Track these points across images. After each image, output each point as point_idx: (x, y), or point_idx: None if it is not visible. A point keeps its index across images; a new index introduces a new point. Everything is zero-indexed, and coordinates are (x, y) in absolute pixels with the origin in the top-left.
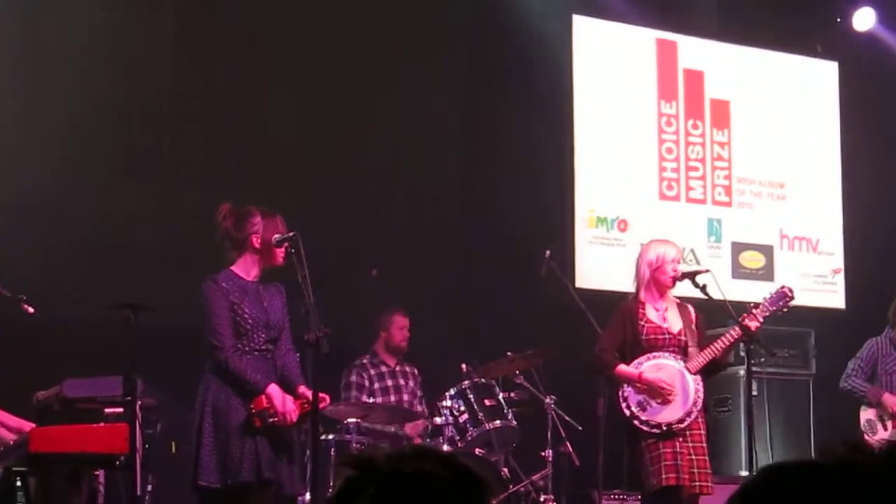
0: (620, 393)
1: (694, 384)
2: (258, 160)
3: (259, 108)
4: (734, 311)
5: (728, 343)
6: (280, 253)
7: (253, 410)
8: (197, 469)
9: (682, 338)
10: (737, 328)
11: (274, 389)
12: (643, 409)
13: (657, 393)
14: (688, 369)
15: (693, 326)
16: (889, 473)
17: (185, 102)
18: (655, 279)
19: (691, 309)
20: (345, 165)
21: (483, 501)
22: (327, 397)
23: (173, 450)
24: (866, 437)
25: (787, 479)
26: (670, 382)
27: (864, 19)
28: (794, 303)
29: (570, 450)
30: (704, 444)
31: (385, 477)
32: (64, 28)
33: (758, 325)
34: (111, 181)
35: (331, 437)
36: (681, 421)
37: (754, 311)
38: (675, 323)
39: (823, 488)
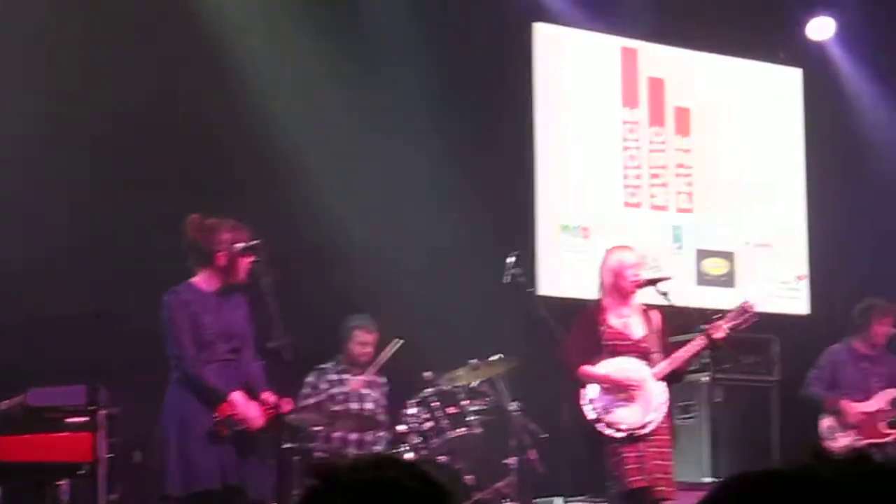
0: (585, 396)
1: (658, 389)
2: (224, 168)
3: (223, 115)
4: (698, 319)
5: (692, 352)
6: (243, 270)
7: (217, 418)
8: (163, 478)
9: (644, 344)
10: (701, 337)
11: (237, 396)
12: (607, 412)
13: (622, 390)
14: (653, 375)
15: (657, 332)
16: (848, 484)
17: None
18: (617, 285)
19: (657, 315)
20: (305, 170)
21: None
22: (290, 402)
23: (138, 459)
24: (827, 443)
25: (752, 489)
26: (635, 379)
27: (821, 28)
28: (758, 309)
29: (535, 457)
30: (670, 450)
31: (348, 487)
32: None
33: (722, 336)
34: (74, 186)
35: (295, 444)
36: (643, 426)
37: (719, 321)
38: (637, 329)
39: (786, 498)
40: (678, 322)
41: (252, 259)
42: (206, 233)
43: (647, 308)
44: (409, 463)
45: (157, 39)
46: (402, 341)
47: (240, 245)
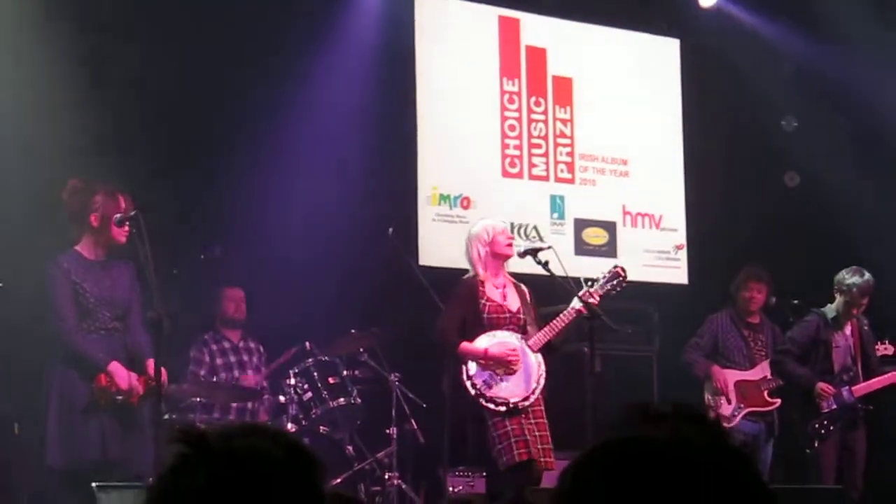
0: (464, 371)
1: (535, 361)
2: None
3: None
4: (576, 288)
5: (567, 321)
6: (120, 232)
7: (95, 389)
8: (43, 450)
9: (521, 316)
10: (575, 307)
11: (115, 367)
12: (489, 387)
13: (502, 366)
14: (529, 347)
15: (529, 305)
16: (710, 453)
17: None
18: (494, 254)
19: (525, 288)
20: (190, 140)
21: (316, 478)
22: (164, 372)
23: (16, 431)
24: (712, 411)
25: (617, 455)
26: (514, 350)
27: None
28: (637, 278)
29: (415, 427)
30: (546, 421)
31: (218, 455)
32: None
33: (594, 302)
34: None
35: (174, 415)
36: (525, 398)
37: (590, 289)
38: (513, 301)
39: (651, 465)
40: (556, 292)
41: (127, 229)
42: (78, 195)
43: (516, 281)
44: (279, 431)
45: None
46: (296, 349)
47: (118, 216)
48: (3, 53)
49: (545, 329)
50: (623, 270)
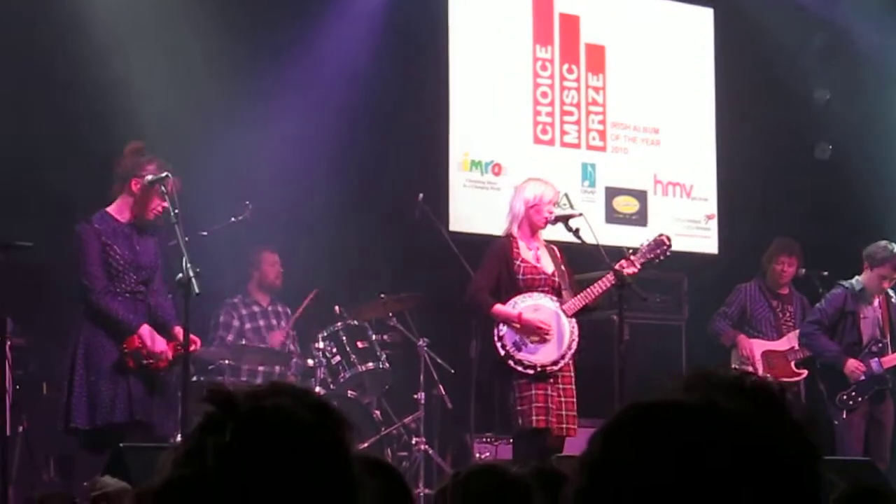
0: (496, 332)
1: (569, 327)
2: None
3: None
4: (607, 256)
5: (603, 289)
6: (152, 210)
7: (125, 350)
8: (69, 410)
9: (556, 279)
10: (612, 275)
11: (146, 330)
12: (518, 349)
13: (534, 333)
14: (563, 311)
15: (562, 267)
16: (745, 417)
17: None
18: (530, 218)
19: (557, 250)
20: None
21: (343, 437)
22: (198, 340)
23: (45, 391)
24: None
25: (650, 419)
26: (548, 323)
27: None
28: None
29: (443, 392)
30: (573, 387)
31: (245, 414)
32: None
33: (634, 271)
34: None
35: (202, 378)
36: (555, 363)
37: (632, 256)
38: (548, 264)
39: (684, 428)
40: (586, 260)
41: (161, 201)
42: (128, 157)
43: (549, 243)
44: (307, 391)
45: None
46: (317, 290)
47: (149, 177)
48: None
49: (581, 295)
50: (668, 239)
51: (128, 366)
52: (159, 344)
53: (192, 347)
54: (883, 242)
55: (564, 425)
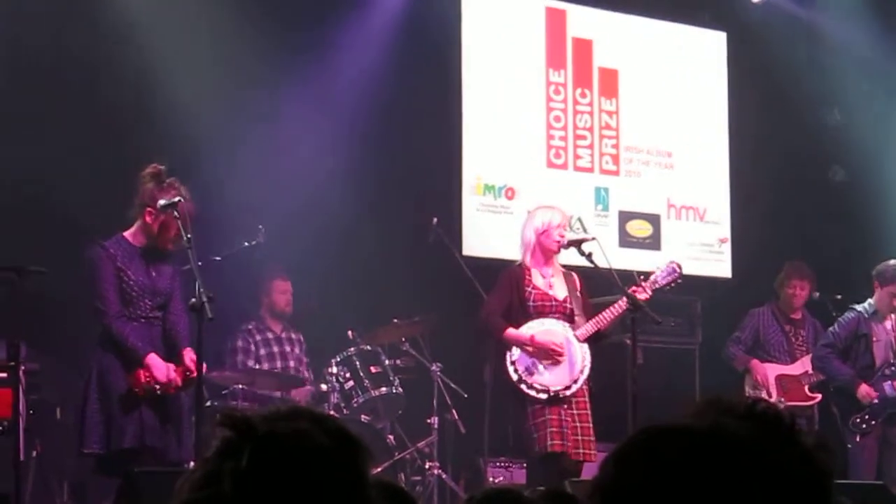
0: (508, 356)
1: (581, 352)
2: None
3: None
4: (620, 280)
5: (616, 314)
6: (168, 240)
7: (132, 381)
8: (83, 434)
9: (568, 305)
10: (625, 299)
11: (153, 359)
12: (531, 374)
13: (547, 356)
14: (575, 337)
15: (578, 294)
16: (756, 444)
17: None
18: (541, 245)
19: (576, 276)
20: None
21: (360, 462)
22: (202, 365)
23: (59, 416)
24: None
25: (659, 444)
26: (560, 345)
27: None
28: (683, 270)
29: (456, 417)
30: (589, 412)
31: (262, 438)
32: None
33: (647, 297)
34: None
35: (216, 402)
36: (567, 388)
37: (643, 283)
38: (560, 290)
39: (694, 453)
40: (599, 284)
41: (173, 224)
42: (146, 183)
43: (567, 270)
44: (324, 415)
45: None
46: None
47: (162, 202)
48: None
49: (593, 320)
50: (679, 266)
51: (138, 395)
52: (167, 372)
53: (192, 375)
54: (893, 261)
55: (581, 450)
